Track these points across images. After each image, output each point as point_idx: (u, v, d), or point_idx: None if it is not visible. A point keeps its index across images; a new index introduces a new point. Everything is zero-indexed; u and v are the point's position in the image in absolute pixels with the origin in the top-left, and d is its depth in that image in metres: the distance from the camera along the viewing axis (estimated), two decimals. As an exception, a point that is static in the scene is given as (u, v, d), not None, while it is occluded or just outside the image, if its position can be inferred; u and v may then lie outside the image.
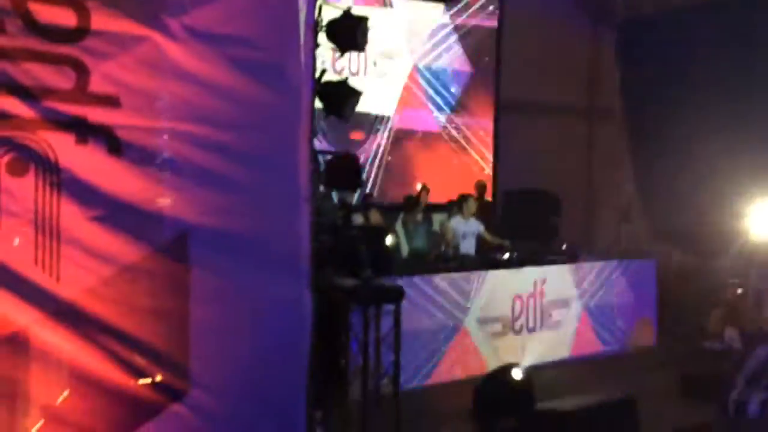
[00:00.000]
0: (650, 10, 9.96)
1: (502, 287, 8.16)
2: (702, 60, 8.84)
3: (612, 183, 10.70)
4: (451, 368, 7.60)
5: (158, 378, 4.78)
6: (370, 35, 9.47)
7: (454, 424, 6.35)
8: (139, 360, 4.71)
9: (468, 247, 8.76)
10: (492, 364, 7.59)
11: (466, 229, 8.77)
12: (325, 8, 5.21)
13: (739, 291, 5.18)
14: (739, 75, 8.47)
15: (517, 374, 6.37)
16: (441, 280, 7.60)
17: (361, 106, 9.28)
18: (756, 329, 5.07)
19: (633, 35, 10.26)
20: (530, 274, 8.38)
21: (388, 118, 10.31)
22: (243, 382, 5.06)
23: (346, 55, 8.94)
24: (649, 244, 9.63)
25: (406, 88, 10.48)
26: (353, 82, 5.67)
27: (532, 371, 7.33)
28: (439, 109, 10.80)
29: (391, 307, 6.19)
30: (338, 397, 6.04)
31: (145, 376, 4.74)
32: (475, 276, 7.94)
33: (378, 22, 9.85)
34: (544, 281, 8.37)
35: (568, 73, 12.05)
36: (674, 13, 9.43)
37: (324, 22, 5.17)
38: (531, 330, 8.28)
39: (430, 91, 10.70)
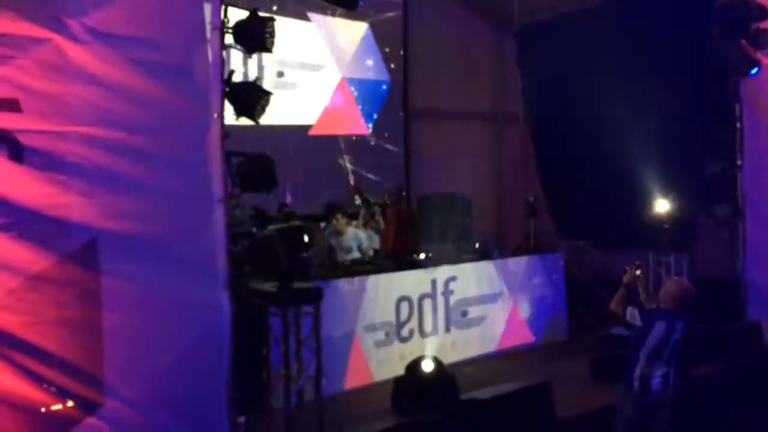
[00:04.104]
0: (545, 16, 10.46)
1: (385, 292, 7.69)
2: (594, 63, 9.35)
3: (519, 183, 11.11)
4: (350, 376, 7.25)
5: (70, 391, 4.64)
6: (288, 46, 9.89)
7: (376, 422, 6.39)
8: (50, 373, 4.57)
9: (346, 257, 8.35)
10: (378, 373, 7.35)
11: (338, 245, 8.42)
12: (231, 10, 5.21)
13: (638, 273, 5.47)
14: (630, 75, 9.01)
15: (429, 366, 6.42)
16: (332, 285, 7.06)
17: (282, 117, 9.79)
18: (653, 307, 5.35)
19: (530, 41, 10.72)
20: (426, 275, 8.03)
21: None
22: (161, 391, 4.98)
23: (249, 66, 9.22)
24: (556, 238, 10.04)
25: (335, 98, 10.78)
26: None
27: (451, 367, 7.52)
28: (365, 117, 11.19)
29: (309, 309, 6.19)
30: (261, 402, 5.99)
31: (56, 389, 4.60)
32: (356, 281, 7.49)
33: (297, 35, 10.15)
34: (451, 280, 8.27)
35: (475, 79, 12.46)
36: (567, 18, 9.93)
37: (231, 24, 5.17)
38: (430, 332, 7.98)
39: (358, 100, 11.06)
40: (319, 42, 10.58)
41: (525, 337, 9.02)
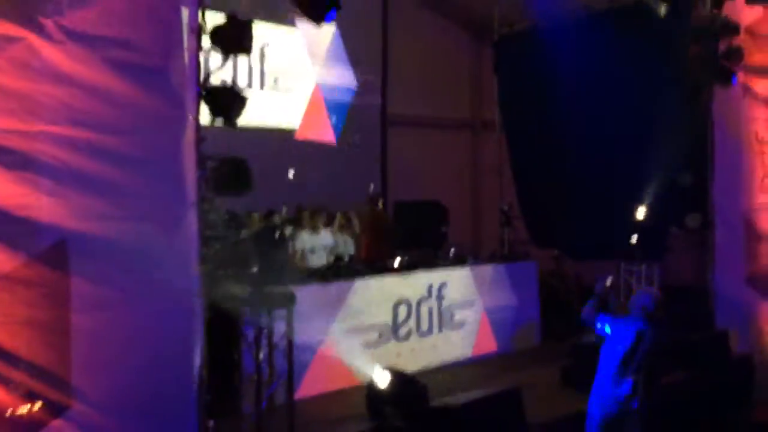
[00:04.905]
0: (524, 26, 10.59)
1: (378, 295, 7.92)
2: (571, 74, 9.46)
3: (496, 191, 11.21)
4: (319, 380, 7.16)
5: (37, 393, 4.58)
6: (274, 52, 10.04)
7: (348, 426, 6.40)
8: (17, 375, 4.51)
9: (317, 260, 8.40)
10: (363, 374, 7.24)
11: (315, 243, 8.45)
12: (208, 13, 5.20)
13: (608, 283, 5.54)
14: (606, 87, 9.13)
15: (384, 379, 6.34)
16: (305, 290, 6.85)
17: (266, 120, 9.81)
18: (623, 316, 5.43)
19: (508, 51, 10.86)
20: (421, 279, 8.38)
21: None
22: (129, 394, 4.92)
23: (243, 69, 9.38)
24: (530, 247, 10.13)
25: (311, 103, 10.99)
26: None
27: (426, 372, 7.55)
28: (335, 122, 11.31)
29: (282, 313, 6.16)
30: (231, 406, 5.96)
31: (23, 391, 4.54)
32: (342, 285, 7.59)
33: (282, 41, 10.31)
34: (442, 285, 8.46)
35: (452, 87, 12.56)
36: (546, 29, 10.05)
37: (208, 27, 5.16)
38: (425, 333, 8.25)
39: (330, 106, 11.21)
40: (303, 48, 10.85)
41: (497, 343, 9.08)
